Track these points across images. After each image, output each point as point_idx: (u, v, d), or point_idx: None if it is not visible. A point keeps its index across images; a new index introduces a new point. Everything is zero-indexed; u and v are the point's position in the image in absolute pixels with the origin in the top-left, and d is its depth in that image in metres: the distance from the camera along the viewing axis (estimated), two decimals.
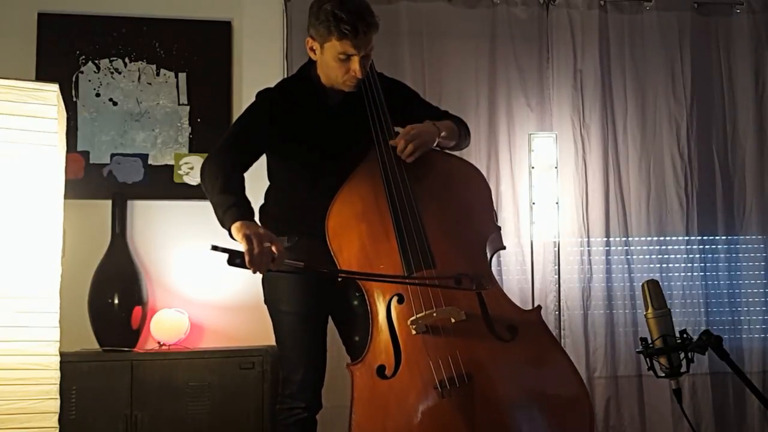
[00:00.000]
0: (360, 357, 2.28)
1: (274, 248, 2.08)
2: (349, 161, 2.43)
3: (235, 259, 2.02)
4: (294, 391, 2.41)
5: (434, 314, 2.22)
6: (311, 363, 2.44)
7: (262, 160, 2.49)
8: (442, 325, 2.23)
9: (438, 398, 2.17)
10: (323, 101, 2.46)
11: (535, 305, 2.60)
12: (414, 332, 2.23)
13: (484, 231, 2.43)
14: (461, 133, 2.57)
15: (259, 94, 2.52)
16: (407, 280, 2.26)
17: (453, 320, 2.23)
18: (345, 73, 2.34)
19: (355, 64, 2.31)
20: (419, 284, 2.26)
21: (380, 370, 2.24)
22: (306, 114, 2.44)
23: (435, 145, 2.45)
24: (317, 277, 2.42)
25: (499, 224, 2.49)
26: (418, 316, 2.23)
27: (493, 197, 2.56)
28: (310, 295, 2.43)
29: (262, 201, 2.54)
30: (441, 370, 2.18)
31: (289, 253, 2.39)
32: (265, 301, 2.53)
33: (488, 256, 2.42)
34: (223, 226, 2.18)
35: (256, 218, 2.56)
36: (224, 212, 2.18)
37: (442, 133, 2.45)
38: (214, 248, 2.01)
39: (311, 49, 2.38)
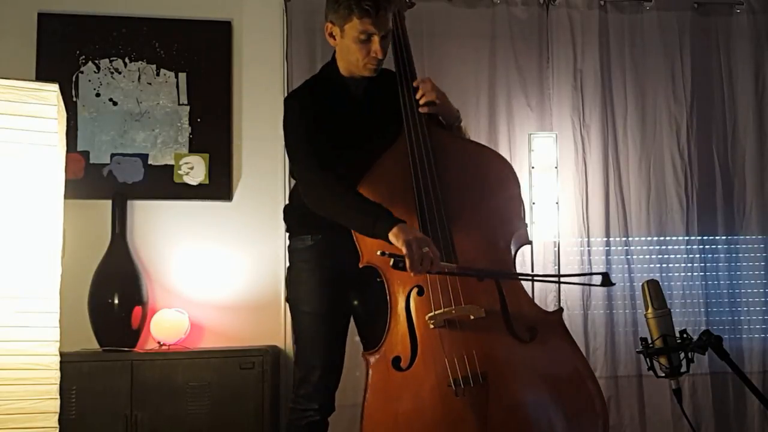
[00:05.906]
0: (376, 346, 2.27)
1: (430, 252, 2.11)
2: (375, 153, 2.42)
3: (398, 263, 2.11)
4: (309, 391, 2.41)
5: (453, 311, 2.23)
6: (328, 364, 2.43)
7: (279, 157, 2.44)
8: (460, 321, 2.23)
9: (451, 396, 2.17)
10: (347, 93, 2.46)
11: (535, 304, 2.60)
12: (432, 326, 2.23)
13: (512, 226, 2.44)
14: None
15: (293, 97, 2.50)
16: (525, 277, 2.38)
17: (472, 317, 2.23)
18: (366, 55, 2.34)
19: (375, 44, 2.32)
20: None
21: (395, 362, 2.24)
22: (332, 108, 2.43)
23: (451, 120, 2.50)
24: (339, 278, 2.42)
25: (526, 221, 2.50)
26: (436, 312, 2.23)
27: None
28: (330, 296, 2.43)
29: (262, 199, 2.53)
30: (456, 368, 2.18)
31: (310, 251, 2.41)
32: (287, 301, 2.56)
33: (513, 251, 2.42)
34: (372, 232, 2.18)
35: (281, 216, 2.58)
36: (375, 220, 2.18)
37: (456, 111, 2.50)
38: (382, 254, 2.12)
39: (330, 34, 2.38)
